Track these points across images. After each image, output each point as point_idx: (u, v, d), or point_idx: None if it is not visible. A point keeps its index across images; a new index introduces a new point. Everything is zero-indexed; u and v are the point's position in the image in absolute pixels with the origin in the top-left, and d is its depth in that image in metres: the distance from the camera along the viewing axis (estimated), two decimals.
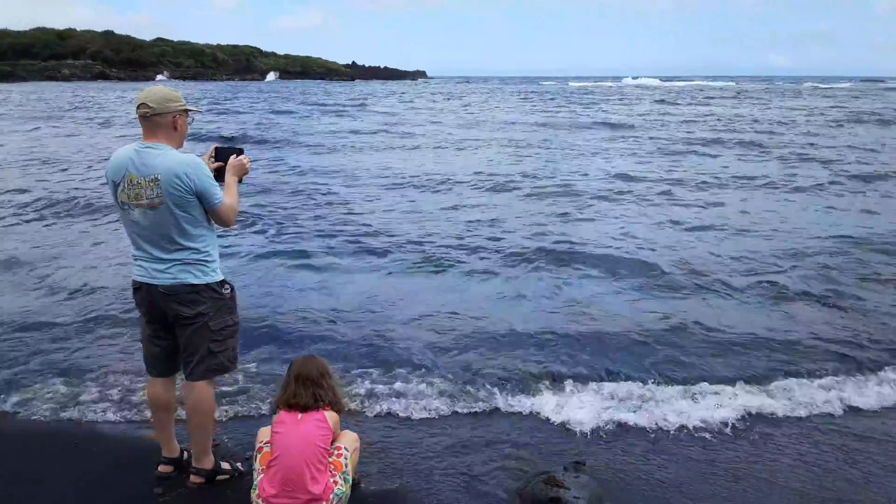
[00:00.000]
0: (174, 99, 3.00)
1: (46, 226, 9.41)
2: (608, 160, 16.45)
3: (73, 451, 3.64)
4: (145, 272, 3.02)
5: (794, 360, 4.98)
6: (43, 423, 4.01)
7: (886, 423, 4.12)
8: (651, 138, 21.38)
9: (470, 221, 9.65)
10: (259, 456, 2.97)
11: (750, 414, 4.16)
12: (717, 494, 3.37)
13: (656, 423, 4.04)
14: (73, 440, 3.77)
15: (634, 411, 4.16)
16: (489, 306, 6.15)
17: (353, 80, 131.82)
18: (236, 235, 8.59)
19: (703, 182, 13.06)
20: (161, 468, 3.35)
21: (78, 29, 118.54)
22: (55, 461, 3.56)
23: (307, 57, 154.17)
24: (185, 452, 3.40)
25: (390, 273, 7.19)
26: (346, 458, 2.99)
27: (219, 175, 3.17)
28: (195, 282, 3.01)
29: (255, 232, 8.97)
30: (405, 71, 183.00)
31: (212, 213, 3.03)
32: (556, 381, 4.59)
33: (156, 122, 2.95)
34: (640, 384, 4.52)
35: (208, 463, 3.28)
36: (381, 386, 4.47)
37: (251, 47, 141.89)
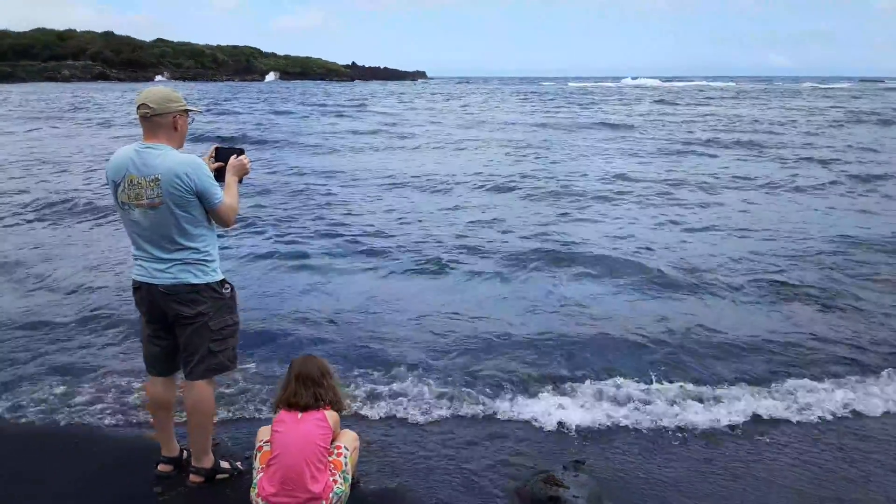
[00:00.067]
0: (174, 99, 3.01)
1: (46, 226, 9.41)
2: (608, 160, 16.46)
3: (72, 451, 3.65)
4: (145, 272, 3.03)
5: (793, 360, 4.99)
6: (43, 423, 4.01)
7: (886, 423, 4.13)
8: (651, 139, 21.39)
9: (470, 222, 9.65)
10: (259, 455, 2.98)
11: (749, 414, 4.16)
12: (715, 493, 3.37)
13: (656, 423, 4.05)
14: (73, 440, 3.77)
15: (634, 411, 4.17)
16: (489, 307, 6.15)
17: (352, 80, 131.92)
18: (236, 236, 8.59)
19: (703, 182, 13.06)
20: (161, 467, 3.36)
21: (78, 30, 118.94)
22: (55, 461, 3.56)
23: (307, 57, 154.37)
24: (185, 452, 3.41)
25: (390, 274, 7.19)
26: (345, 457, 3.00)
27: (219, 175, 3.18)
28: (195, 281, 3.02)
29: (255, 232, 8.97)
30: (405, 71, 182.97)
31: (212, 213, 3.04)
32: (556, 381, 4.60)
33: (156, 122, 2.96)
34: (640, 384, 4.52)
35: (208, 462, 3.29)
36: (380, 386, 4.47)
37: (251, 48, 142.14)
